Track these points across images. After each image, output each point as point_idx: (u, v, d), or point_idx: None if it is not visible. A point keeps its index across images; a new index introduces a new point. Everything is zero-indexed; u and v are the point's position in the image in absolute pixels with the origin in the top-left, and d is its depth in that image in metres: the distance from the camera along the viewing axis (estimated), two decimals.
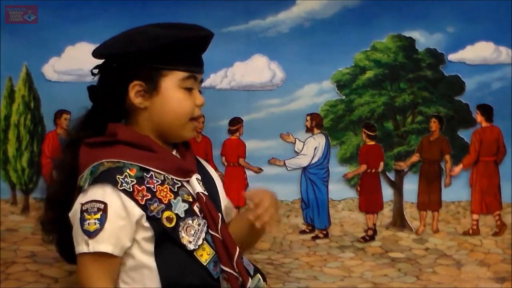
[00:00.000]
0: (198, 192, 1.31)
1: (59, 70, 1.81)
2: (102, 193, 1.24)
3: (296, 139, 1.89)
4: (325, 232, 1.90)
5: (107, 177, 1.24)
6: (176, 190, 1.29)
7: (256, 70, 1.85)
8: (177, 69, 1.31)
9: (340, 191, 1.90)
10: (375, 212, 1.90)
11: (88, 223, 1.23)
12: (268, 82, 1.86)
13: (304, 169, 1.89)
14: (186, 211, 1.28)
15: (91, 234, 1.22)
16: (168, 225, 1.25)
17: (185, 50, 1.31)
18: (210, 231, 1.28)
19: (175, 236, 1.25)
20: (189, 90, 1.32)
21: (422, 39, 1.87)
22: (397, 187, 1.91)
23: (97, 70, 1.36)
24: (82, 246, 1.24)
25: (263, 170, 1.88)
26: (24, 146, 1.85)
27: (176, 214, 1.27)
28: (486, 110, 1.87)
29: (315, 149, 1.89)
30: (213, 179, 1.44)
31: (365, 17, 1.84)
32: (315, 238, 1.90)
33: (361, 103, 1.88)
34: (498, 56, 1.86)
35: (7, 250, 1.84)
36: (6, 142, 1.85)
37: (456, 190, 1.90)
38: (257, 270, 1.37)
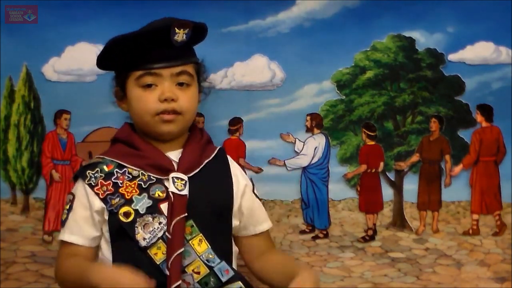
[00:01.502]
0: (169, 191, 1.29)
1: (59, 70, 1.81)
2: (76, 186, 1.34)
3: (296, 139, 1.89)
4: (325, 232, 1.90)
5: (82, 172, 1.33)
6: (146, 186, 1.30)
7: (256, 70, 1.85)
8: (133, 69, 1.33)
9: (340, 191, 1.90)
10: (375, 212, 1.90)
11: (63, 213, 1.34)
12: (268, 82, 1.86)
13: (304, 169, 1.89)
14: (148, 208, 1.28)
15: (62, 223, 1.34)
16: (124, 220, 1.28)
17: (139, 48, 1.30)
18: (166, 231, 1.28)
19: (131, 232, 1.27)
20: (149, 86, 1.32)
21: (422, 39, 1.87)
22: (397, 187, 1.91)
23: None
24: None
25: (263, 170, 1.88)
26: (24, 146, 1.85)
27: (136, 210, 1.28)
28: (486, 110, 1.87)
29: (315, 149, 1.89)
30: (222, 178, 1.41)
31: (365, 17, 1.84)
32: (315, 238, 1.90)
33: (361, 103, 1.88)
34: (498, 56, 1.86)
35: (7, 250, 1.84)
36: (6, 142, 1.85)
37: (456, 190, 1.90)
38: (238, 278, 1.32)
